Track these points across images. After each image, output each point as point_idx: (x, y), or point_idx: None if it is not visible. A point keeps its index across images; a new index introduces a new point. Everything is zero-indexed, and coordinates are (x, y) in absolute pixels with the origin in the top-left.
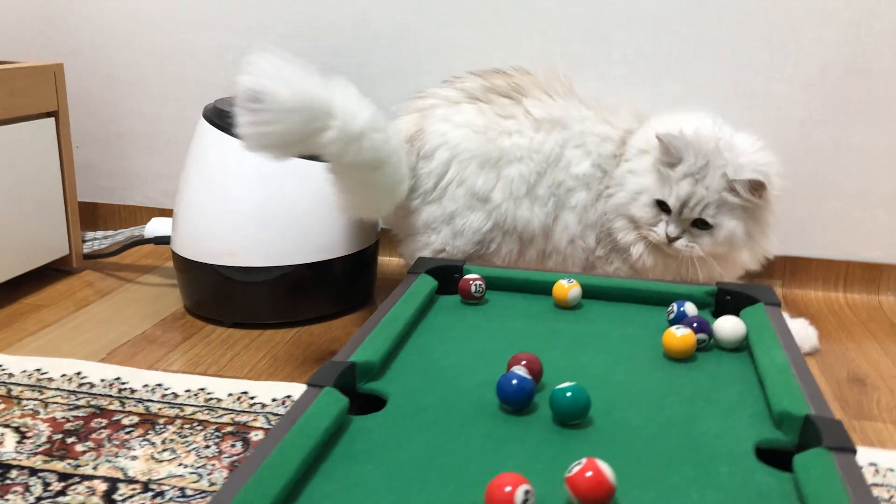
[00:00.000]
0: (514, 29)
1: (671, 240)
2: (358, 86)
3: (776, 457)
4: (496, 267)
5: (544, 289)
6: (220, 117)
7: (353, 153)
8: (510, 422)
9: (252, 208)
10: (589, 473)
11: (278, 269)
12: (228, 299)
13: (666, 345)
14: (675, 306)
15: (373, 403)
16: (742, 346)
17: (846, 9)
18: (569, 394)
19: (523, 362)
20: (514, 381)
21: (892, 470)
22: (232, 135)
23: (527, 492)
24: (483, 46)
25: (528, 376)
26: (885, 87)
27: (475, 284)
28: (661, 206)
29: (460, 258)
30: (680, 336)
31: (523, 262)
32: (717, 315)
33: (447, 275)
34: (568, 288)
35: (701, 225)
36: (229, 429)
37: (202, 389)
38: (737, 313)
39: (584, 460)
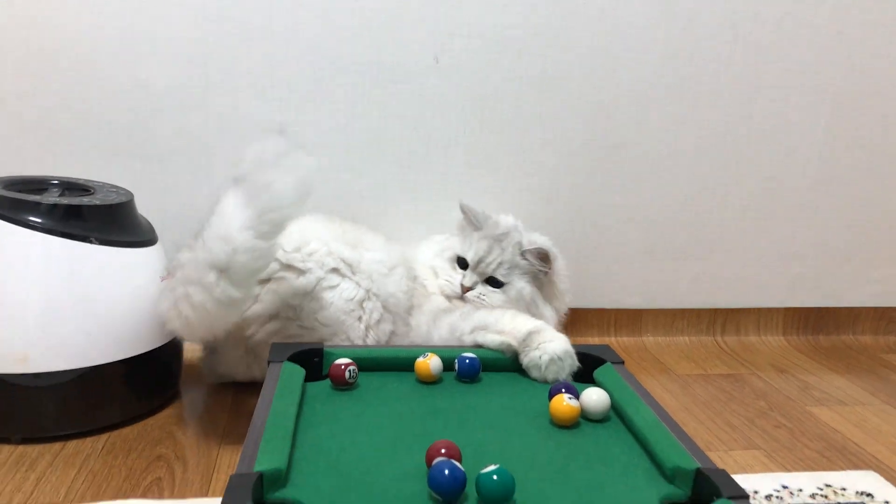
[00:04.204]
0: (310, 105)
1: (465, 290)
2: (140, 164)
3: None
4: (357, 347)
5: (408, 365)
6: None
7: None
8: None
9: (43, 304)
10: None
11: (79, 370)
12: (12, 411)
13: (557, 413)
14: None
15: None
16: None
17: (597, 92)
18: (495, 477)
19: (443, 450)
20: (447, 472)
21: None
22: (10, 220)
23: None
24: (278, 120)
25: (458, 465)
26: (631, 156)
27: (349, 370)
28: (461, 263)
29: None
30: (572, 405)
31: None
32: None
33: (307, 359)
34: (426, 361)
35: (493, 283)
36: None
37: None
38: (589, 374)
39: None
